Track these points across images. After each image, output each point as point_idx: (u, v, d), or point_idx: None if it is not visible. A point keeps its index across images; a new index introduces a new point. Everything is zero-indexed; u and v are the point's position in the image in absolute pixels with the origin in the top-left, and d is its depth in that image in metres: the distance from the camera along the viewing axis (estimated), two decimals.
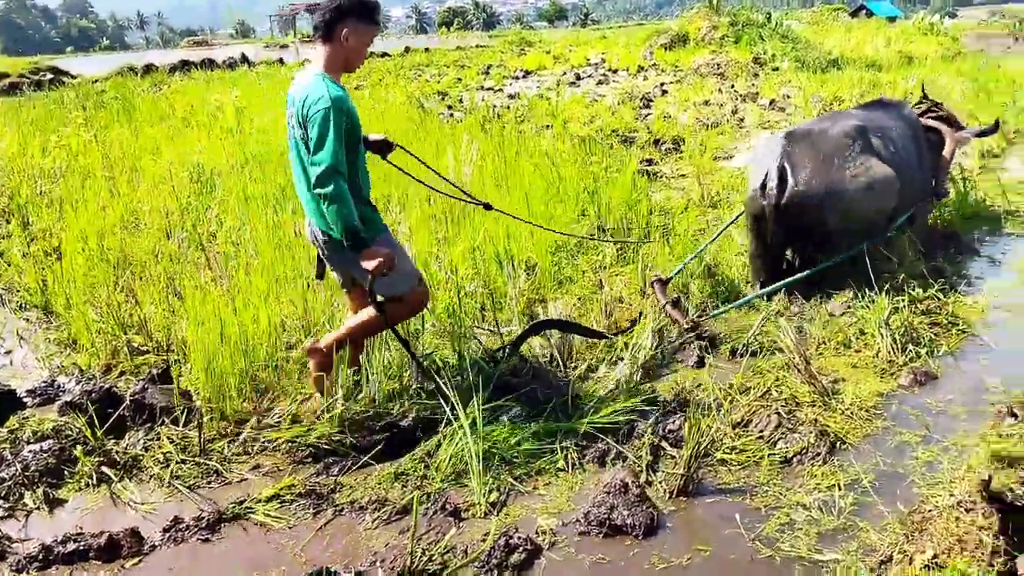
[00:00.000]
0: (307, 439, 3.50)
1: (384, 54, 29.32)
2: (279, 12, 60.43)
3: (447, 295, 4.65)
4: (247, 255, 5.33)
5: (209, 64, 23.06)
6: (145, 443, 3.50)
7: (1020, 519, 2.76)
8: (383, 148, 3.87)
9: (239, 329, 3.97)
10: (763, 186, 4.75)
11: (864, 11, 59.04)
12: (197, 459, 3.42)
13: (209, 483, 3.33)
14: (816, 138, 4.87)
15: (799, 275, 4.84)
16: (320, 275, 3.81)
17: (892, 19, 49.02)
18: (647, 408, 3.67)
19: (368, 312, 3.54)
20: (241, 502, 3.15)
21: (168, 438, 3.51)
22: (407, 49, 30.96)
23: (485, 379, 3.66)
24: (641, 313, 4.46)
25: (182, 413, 3.61)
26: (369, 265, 3.25)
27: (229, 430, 3.65)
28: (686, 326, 4.39)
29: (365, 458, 3.39)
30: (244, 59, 24.79)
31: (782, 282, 4.80)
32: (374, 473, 3.34)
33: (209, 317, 4.00)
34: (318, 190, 3.14)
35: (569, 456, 3.35)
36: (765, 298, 4.75)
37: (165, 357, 4.20)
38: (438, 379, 3.61)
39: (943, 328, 4.38)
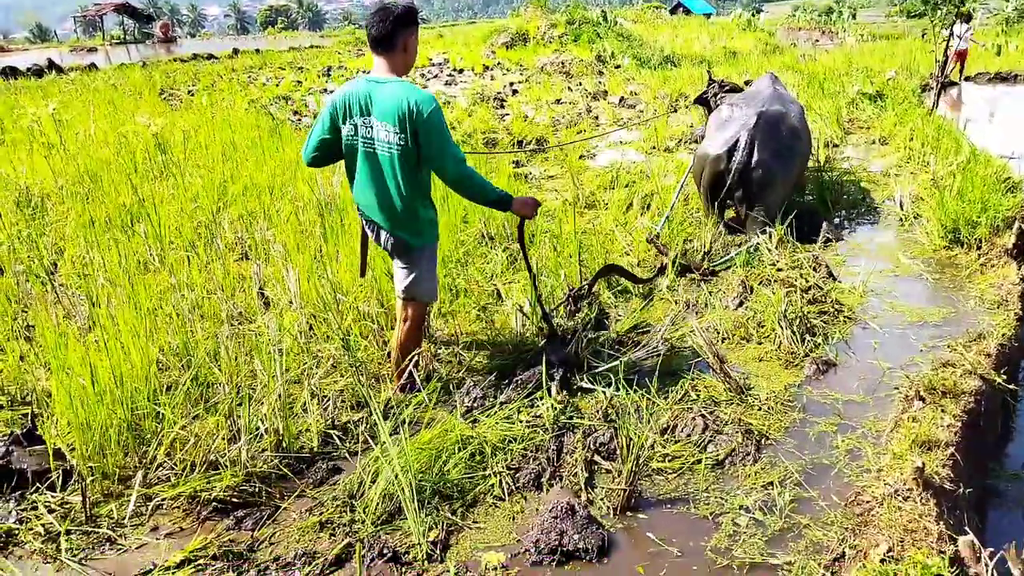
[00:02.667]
0: (212, 492, 3.17)
1: (210, 56, 27.84)
2: (84, 13, 55.97)
3: (340, 319, 4.39)
4: (105, 286, 4.80)
5: (12, 72, 20.85)
6: (19, 515, 3.04)
7: (947, 501, 2.92)
8: None
9: (112, 374, 3.55)
10: (729, 154, 5.78)
11: (682, 8, 62.62)
12: (84, 527, 3.01)
13: (104, 553, 2.93)
14: (773, 125, 5.95)
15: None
16: (363, 271, 4.15)
17: (708, 15, 52.25)
18: (571, 421, 3.60)
19: (407, 320, 3.79)
20: (147, 572, 2.79)
21: (46, 506, 3.06)
22: (236, 51, 29.51)
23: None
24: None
25: (58, 477, 3.17)
26: (523, 208, 3.68)
27: (114, 490, 3.25)
28: (698, 271, 5.32)
29: (283, 505, 3.12)
30: (52, 65, 22.66)
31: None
32: (294, 523, 3.07)
33: (75, 363, 3.56)
34: (461, 179, 3.46)
35: (504, 481, 3.22)
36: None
37: (26, 412, 3.68)
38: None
39: (831, 316, 4.60)
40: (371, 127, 3.43)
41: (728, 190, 5.84)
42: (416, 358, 3.76)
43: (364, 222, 3.77)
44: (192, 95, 14.90)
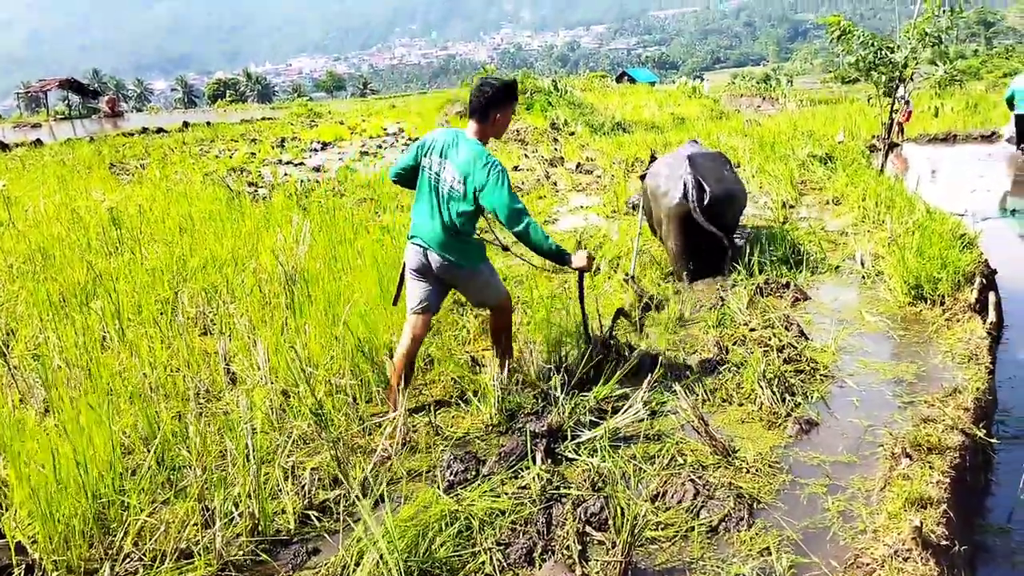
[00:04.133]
0: None
1: (160, 129, 27.73)
2: (27, 89, 55.65)
3: (312, 393, 4.28)
4: (62, 367, 4.62)
5: None
6: None
7: (945, 559, 2.90)
8: None
9: (76, 460, 3.38)
10: (685, 195, 6.57)
11: (627, 77, 64.78)
12: None
13: None
14: (703, 163, 6.84)
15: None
16: (396, 301, 4.65)
17: (652, 84, 54.03)
18: (559, 492, 3.53)
19: (497, 322, 4.60)
20: None
21: None
22: (186, 124, 29.48)
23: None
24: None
25: (21, 573, 2.97)
26: (581, 262, 4.30)
27: None
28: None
29: None
30: None
31: None
32: None
33: (34, 449, 3.39)
34: (516, 228, 4.05)
35: (494, 558, 3.12)
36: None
37: None
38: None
39: (807, 375, 4.63)
40: (444, 168, 4.16)
41: (700, 220, 6.54)
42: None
43: (411, 248, 4.32)
44: (144, 169, 14.75)
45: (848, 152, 12.20)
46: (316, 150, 18.30)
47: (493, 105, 4.14)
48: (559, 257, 4.20)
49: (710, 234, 6.56)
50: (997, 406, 4.84)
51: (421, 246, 4.27)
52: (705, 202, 6.55)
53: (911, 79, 10.09)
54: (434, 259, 4.24)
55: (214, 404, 4.47)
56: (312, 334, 4.96)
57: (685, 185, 6.64)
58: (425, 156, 4.24)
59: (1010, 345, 5.92)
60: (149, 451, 3.76)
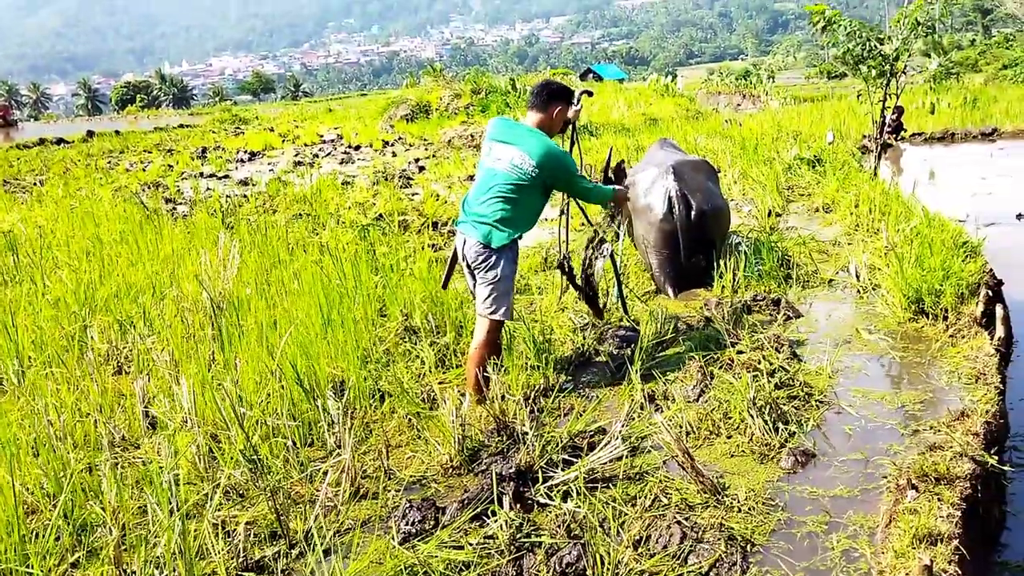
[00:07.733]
0: None
1: (60, 140, 27.36)
2: None
3: (243, 436, 4.24)
4: None
5: None
6: None
7: None
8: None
9: None
10: (671, 211, 6.89)
11: (592, 75, 65.53)
12: None
13: None
14: (688, 173, 7.20)
15: None
16: (445, 285, 5.47)
17: (620, 81, 54.77)
18: (530, 540, 3.54)
19: (480, 331, 4.86)
20: None
21: None
22: (91, 133, 29.15)
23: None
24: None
25: None
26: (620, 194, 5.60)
27: None
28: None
29: None
30: None
31: None
32: None
33: None
34: (587, 195, 5.20)
35: None
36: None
37: None
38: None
39: (801, 400, 4.71)
40: (504, 150, 4.83)
41: (687, 239, 6.87)
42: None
43: (458, 237, 4.96)
44: (42, 185, 14.54)
45: (838, 154, 12.50)
46: (243, 161, 18.22)
47: (552, 99, 5.01)
48: (610, 196, 5.39)
49: (695, 248, 6.89)
50: (1009, 430, 4.97)
51: (464, 235, 4.97)
52: (692, 218, 6.87)
53: (903, 72, 10.38)
54: (477, 249, 4.88)
55: (131, 453, 4.41)
56: (244, 369, 4.92)
57: (670, 200, 6.92)
58: (487, 142, 5.06)
59: (1021, 362, 6.09)
60: (55, 508, 3.70)
